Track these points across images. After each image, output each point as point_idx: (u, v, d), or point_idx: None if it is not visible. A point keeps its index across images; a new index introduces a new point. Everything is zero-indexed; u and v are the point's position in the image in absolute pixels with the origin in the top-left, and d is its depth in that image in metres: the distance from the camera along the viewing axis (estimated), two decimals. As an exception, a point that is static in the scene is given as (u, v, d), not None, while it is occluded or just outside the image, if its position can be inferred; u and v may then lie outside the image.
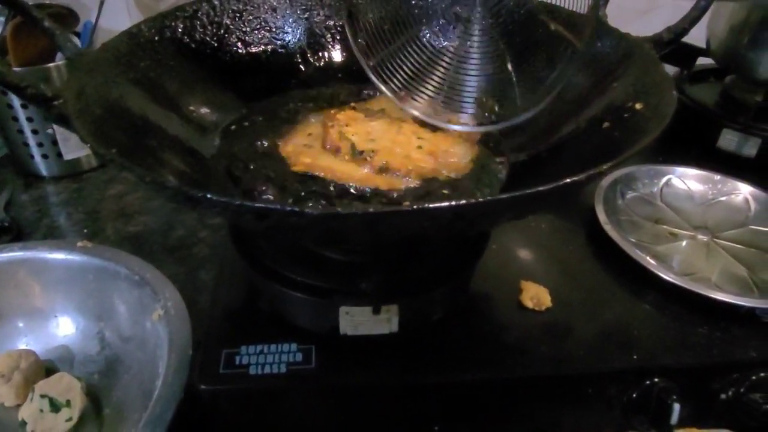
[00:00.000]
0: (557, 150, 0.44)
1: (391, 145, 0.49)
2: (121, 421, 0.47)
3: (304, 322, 0.44)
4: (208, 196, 0.25)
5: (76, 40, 0.75)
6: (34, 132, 0.74)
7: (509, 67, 0.50)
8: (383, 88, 0.52)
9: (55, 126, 0.74)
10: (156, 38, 0.46)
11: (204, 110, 0.47)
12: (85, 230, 0.69)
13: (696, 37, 0.78)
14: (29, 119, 0.73)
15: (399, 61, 0.53)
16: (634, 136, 0.36)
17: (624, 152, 0.32)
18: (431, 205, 0.24)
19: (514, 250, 0.54)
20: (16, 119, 0.73)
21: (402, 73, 0.52)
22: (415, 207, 0.24)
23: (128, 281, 0.51)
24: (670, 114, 0.34)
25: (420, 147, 0.48)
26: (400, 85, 0.52)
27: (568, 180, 0.26)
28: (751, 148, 0.72)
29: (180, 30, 0.48)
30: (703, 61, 0.81)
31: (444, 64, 0.53)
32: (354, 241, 0.29)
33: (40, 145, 0.75)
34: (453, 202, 0.24)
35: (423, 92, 0.52)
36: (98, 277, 0.52)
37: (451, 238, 0.44)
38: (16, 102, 0.71)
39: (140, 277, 0.51)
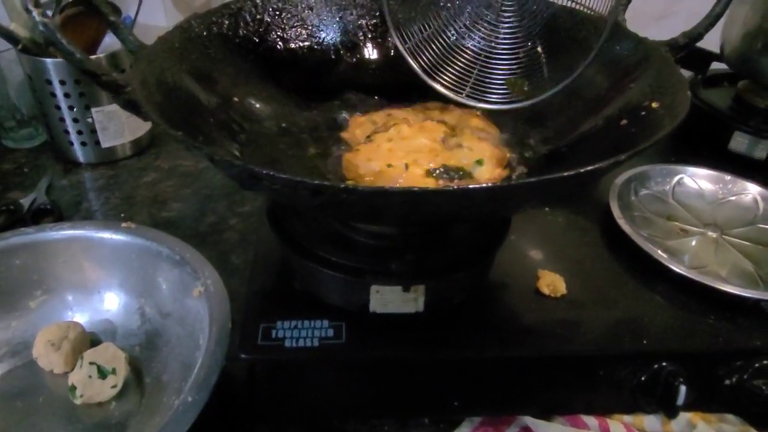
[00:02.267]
0: (577, 145, 0.47)
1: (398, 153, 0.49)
2: (161, 390, 0.51)
3: (336, 300, 0.47)
4: (271, 173, 0.28)
5: (116, 33, 0.79)
6: (75, 120, 0.78)
7: (539, 49, 0.53)
8: (414, 65, 0.56)
9: (94, 115, 0.78)
10: (204, 33, 0.49)
11: (247, 100, 0.51)
12: (122, 214, 0.73)
13: (710, 42, 0.81)
14: (70, 108, 0.77)
15: (432, 48, 0.57)
16: (650, 132, 0.39)
17: (639, 144, 0.35)
18: (469, 186, 0.27)
19: (532, 242, 0.57)
20: (58, 108, 0.77)
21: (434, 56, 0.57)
22: (454, 188, 0.27)
23: (169, 260, 0.55)
24: (684, 112, 0.37)
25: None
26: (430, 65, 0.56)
27: (590, 167, 0.29)
28: (761, 151, 0.74)
29: (225, 26, 0.51)
30: (717, 66, 0.83)
31: (474, 50, 0.57)
32: (394, 218, 0.32)
33: (79, 132, 0.79)
34: (489, 185, 0.27)
35: (452, 75, 0.56)
36: (141, 256, 0.56)
37: (477, 223, 0.47)
38: (59, 91, 0.76)
39: (181, 257, 0.54)
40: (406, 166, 0.47)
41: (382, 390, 0.48)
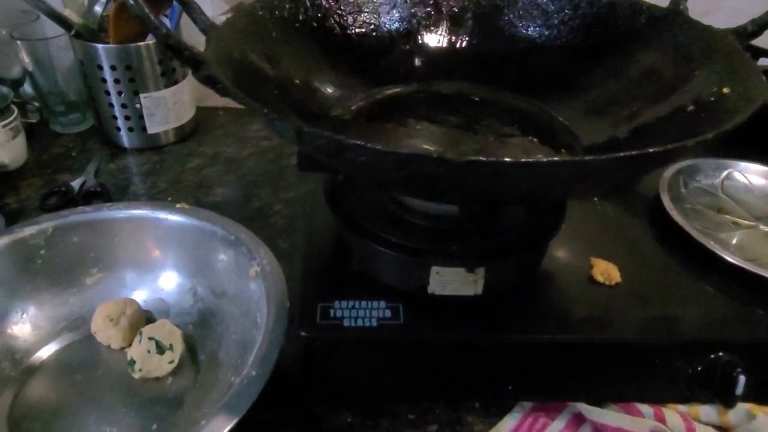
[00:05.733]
0: (637, 133, 0.47)
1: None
2: (216, 367, 0.51)
3: (394, 281, 0.48)
4: (360, 143, 0.28)
5: (165, 20, 0.80)
6: (123, 106, 0.80)
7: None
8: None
9: (142, 101, 0.79)
10: (267, 17, 0.50)
11: (307, 80, 0.51)
12: (169, 198, 0.74)
13: (761, 39, 0.79)
14: (119, 93, 0.78)
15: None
16: (721, 117, 0.39)
17: (716, 128, 0.35)
18: (561, 159, 0.27)
19: (584, 232, 0.57)
20: (108, 93, 0.78)
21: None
22: (543, 160, 0.27)
23: (224, 241, 0.56)
24: (760, 97, 0.36)
25: None
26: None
27: (678, 144, 0.30)
28: (811, 147, 0.73)
29: (286, 11, 0.52)
30: (764, 61, 0.82)
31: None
32: (478, 191, 0.32)
33: (127, 118, 0.81)
34: (577, 158, 0.27)
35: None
36: (196, 236, 0.57)
37: (542, 205, 0.47)
38: (110, 76, 0.77)
39: (235, 237, 0.55)
40: None
41: (436, 372, 0.49)
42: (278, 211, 0.73)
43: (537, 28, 0.60)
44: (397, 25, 0.59)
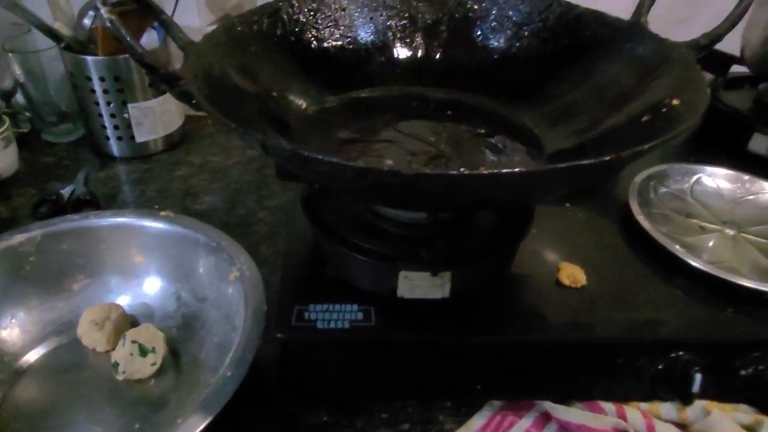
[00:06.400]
0: (600, 141, 0.49)
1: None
2: (197, 369, 0.53)
3: (366, 285, 0.50)
4: (320, 157, 0.30)
5: (154, 34, 0.82)
6: (112, 116, 0.82)
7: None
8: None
9: (130, 110, 0.81)
10: (246, 31, 0.52)
11: (285, 94, 0.54)
12: (156, 206, 0.76)
13: (731, 45, 0.82)
14: (108, 103, 0.80)
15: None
16: (671, 126, 0.41)
17: (661, 137, 0.37)
18: (501, 171, 0.29)
19: (553, 237, 0.59)
20: (97, 103, 0.80)
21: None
22: (486, 172, 0.29)
23: (206, 247, 0.57)
24: (704, 108, 0.38)
25: None
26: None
27: (609, 157, 0.32)
28: (780, 152, 0.75)
29: (264, 25, 0.54)
30: (737, 68, 0.85)
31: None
32: (432, 200, 0.34)
33: (116, 127, 0.83)
34: (522, 169, 0.29)
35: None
36: (179, 243, 0.59)
37: (506, 211, 0.49)
38: (98, 87, 0.79)
39: (217, 243, 0.57)
40: None
41: (407, 373, 0.51)
42: (262, 218, 0.75)
43: (509, 40, 0.62)
44: (372, 37, 0.61)
